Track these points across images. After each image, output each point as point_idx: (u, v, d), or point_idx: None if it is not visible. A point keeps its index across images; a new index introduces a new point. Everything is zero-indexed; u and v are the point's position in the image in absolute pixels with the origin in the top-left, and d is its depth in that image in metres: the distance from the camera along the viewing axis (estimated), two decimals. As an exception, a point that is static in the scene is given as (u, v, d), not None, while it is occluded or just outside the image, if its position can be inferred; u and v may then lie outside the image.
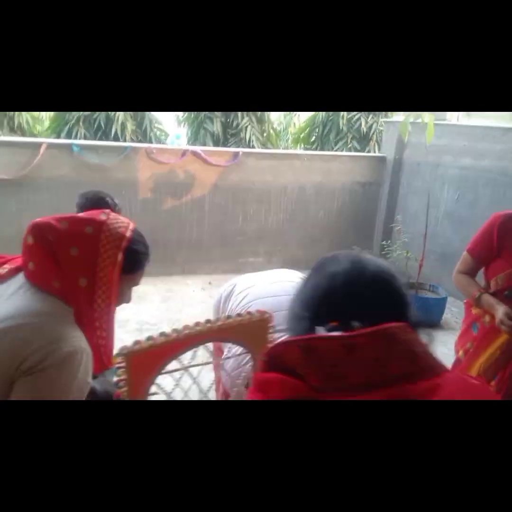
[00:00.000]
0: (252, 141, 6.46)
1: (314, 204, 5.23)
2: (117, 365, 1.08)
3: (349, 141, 6.79)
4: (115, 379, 1.09)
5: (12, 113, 6.78)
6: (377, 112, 6.68)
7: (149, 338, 1.17)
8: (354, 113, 6.72)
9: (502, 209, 4.43)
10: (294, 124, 8.38)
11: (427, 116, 3.91)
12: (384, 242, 4.63)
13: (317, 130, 7.29)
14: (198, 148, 4.78)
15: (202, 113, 6.47)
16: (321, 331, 0.75)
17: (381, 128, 6.49)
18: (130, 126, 6.46)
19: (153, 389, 1.22)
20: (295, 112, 8.15)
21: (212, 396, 1.42)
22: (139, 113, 6.57)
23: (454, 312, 4.14)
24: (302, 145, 7.64)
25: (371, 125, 6.79)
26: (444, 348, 2.81)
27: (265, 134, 6.83)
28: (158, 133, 7.00)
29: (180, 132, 7.06)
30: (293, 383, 0.68)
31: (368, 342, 0.68)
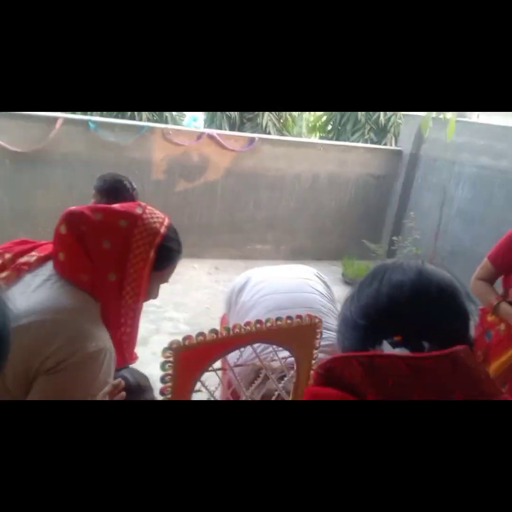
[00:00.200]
0: (269, 127, 6.41)
1: (326, 194, 5.19)
2: (165, 359, 1.07)
3: (366, 132, 6.71)
4: (161, 373, 1.09)
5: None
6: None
7: (199, 334, 1.17)
8: (374, 104, 6.61)
9: (517, 212, 4.33)
10: (312, 111, 8.29)
11: (449, 113, 3.84)
12: (395, 238, 4.61)
13: (334, 119, 7.21)
14: (214, 132, 4.75)
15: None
16: (385, 345, 0.71)
17: (399, 121, 6.40)
18: (147, 105, 6.42)
19: (197, 386, 1.23)
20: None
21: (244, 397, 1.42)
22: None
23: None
24: (318, 134, 7.56)
25: (390, 117, 6.70)
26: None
27: (281, 120, 6.77)
28: (174, 114, 6.96)
29: (197, 114, 7.01)
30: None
31: (435, 366, 0.65)
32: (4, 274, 1.06)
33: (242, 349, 1.33)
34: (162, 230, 1.11)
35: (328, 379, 0.68)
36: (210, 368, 1.21)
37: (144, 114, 6.36)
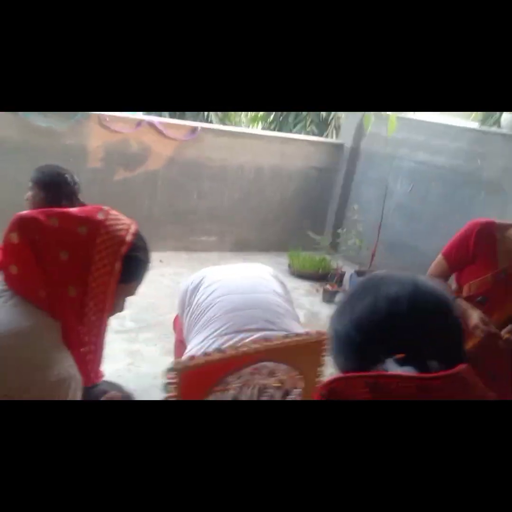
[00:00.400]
0: (210, 116, 6.28)
1: (270, 186, 5.18)
2: (168, 381, 0.97)
3: (308, 124, 6.74)
4: (164, 395, 0.98)
5: None
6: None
7: (205, 354, 1.08)
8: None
9: (451, 207, 4.57)
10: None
11: (389, 109, 3.92)
12: (340, 230, 4.67)
13: (276, 110, 7.19)
14: (154, 119, 4.57)
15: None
16: (389, 364, 0.67)
17: (340, 115, 6.48)
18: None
19: None
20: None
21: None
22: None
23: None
24: (260, 124, 7.52)
25: (330, 110, 6.78)
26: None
27: (223, 110, 6.65)
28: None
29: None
30: None
31: (443, 386, 0.62)
32: None
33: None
34: (128, 238, 0.99)
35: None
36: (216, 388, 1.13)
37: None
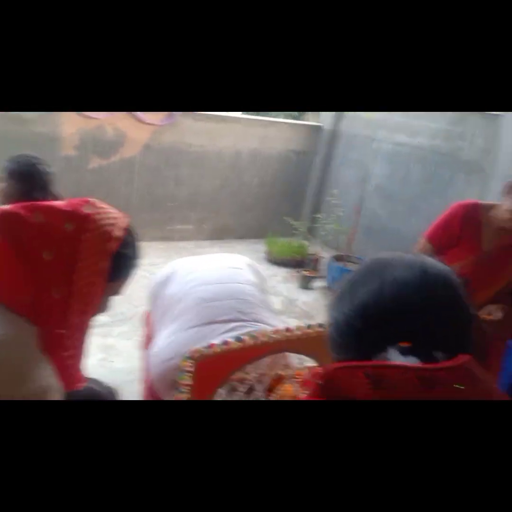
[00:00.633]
0: (188, 100, 6.17)
1: (249, 171, 5.12)
2: (185, 369, 0.93)
3: (287, 107, 6.67)
4: (178, 382, 0.94)
5: None
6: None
7: (223, 343, 1.05)
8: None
9: (431, 187, 4.56)
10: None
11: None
12: (318, 215, 4.65)
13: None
14: (129, 104, 4.47)
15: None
16: (391, 353, 0.62)
17: (319, 97, 6.42)
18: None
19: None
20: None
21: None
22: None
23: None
24: (239, 108, 7.42)
25: (310, 92, 6.70)
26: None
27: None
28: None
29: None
30: None
31: (448, 378, 0.58)
32: None
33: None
34: (118, 233, 0.92)
35: (327, 391, 0.60)
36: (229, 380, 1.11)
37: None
